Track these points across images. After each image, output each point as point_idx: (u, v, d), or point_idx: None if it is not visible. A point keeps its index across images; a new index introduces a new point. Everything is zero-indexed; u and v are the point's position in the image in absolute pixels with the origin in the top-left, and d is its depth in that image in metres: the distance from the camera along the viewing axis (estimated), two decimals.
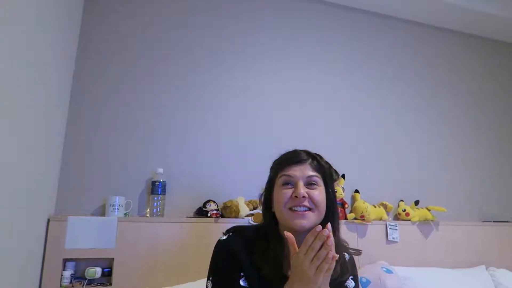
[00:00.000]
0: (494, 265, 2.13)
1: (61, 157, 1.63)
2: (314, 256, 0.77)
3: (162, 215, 1.68)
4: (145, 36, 1.91)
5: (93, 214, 1.62)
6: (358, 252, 1.05)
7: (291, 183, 0.94)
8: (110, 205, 1.58)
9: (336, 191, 1.88)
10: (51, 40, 1.38)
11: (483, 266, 2.09)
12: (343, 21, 2.38)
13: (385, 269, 1.75)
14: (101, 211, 1.63)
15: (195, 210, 1.78)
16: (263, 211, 1.02)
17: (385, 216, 2.02)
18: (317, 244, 0.77)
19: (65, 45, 1.60)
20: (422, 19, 2.57)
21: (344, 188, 2.03)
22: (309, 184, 0.94)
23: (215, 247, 0.97)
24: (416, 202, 2.13)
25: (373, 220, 1.98)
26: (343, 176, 2.04)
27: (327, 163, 1.02)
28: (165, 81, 1.89)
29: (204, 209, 1.74)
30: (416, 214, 2.07)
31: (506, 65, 2.81)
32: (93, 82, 1.76)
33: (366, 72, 2.36)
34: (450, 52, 2.64)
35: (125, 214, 1.62)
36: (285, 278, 0.86)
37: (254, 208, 1.78)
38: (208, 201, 1.76)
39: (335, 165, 2.04)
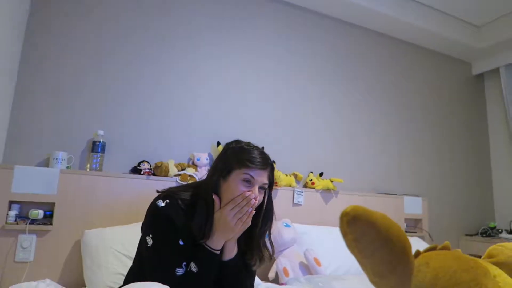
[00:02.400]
0: None
1: (9, 112, 1.84)
2: (237, 211, 1.05)
3: (101, 170, 1.96)
4: (100, 10, 2.11)
5: (38, 166, 1.87)
6: (271, 257, 1.23)
7: (250, 182, 1.10)
8: (54, 159, 1.83)
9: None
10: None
11: None
12: (290, 18, 2.70)
13: (284, 224, 2.18)
14: (45, 164, 1.88)
15: (130, 168, 2.08)
16: (210, 180, 1.15)
17: (294, 183, 2.44)
18: (243, 203, 1.05)
19: (17, 3, 1.78)
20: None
21: None
22: (259, 187, 1.12)
23: (154, 211, 1.11)
24: (321, 174, 2.58)
25: (284, 186, 2.39)
26: (262, 147, 2.42)
27: (274, 173, 1.21)
28: (114, 53, 2.13)
29: (138, 167, 2.04)
30: (320, 183, 2.51)
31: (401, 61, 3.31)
32: (42, 42, 1.96)
33: (289, 57, 2.72)
34: (363, 48, 3.08)
35: (67, 167, 1.89)
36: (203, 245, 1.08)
37: (182, 169, 2.11)
38: (142, 161, 2.06)
39: (257, 139, 2.47)
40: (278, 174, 2.37)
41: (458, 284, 0.44)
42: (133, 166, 2.08)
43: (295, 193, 2.42)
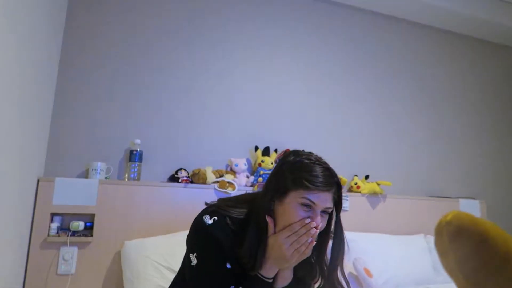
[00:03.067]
0: (432, 234, 2.44)
1: (49, 125, 1.86)
2: (294, 240, 0.89)
3: (139, 180, 1.93)
4: (132, 18, 2.10)
5: (77, 177, 1.87)
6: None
7: (309, 206, 0.93)
8: (92, 170, 1.82)
9: None
10: (40, 9, 1.58)
11: (422, 234, 2.39)
12: (309, 11, 2.58)
13: None
14: (85, 175, 1.88)
15: (168, 176, 2.03)
16: (263, 200, 0.99)
17: None
18: (302, 232, 0.89)
19: (54, 16, 1.79)
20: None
21: None
22: (322, 211, 0.95)
23: (200, 228, 0.98)
24: (367, 177, 2.41)
25: None
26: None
27: (341, 193, 1.00)
28: (147, 60, 2.10)
29: (175, 175, 1.99)
30: (366, 187, 2.35)
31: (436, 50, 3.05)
32: (80, 55, 1.97)
33: (329, 57, 2.58)
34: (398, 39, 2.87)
35: (106, 177, 1.87)
36: (257, 276, 0.94)
37: (220, 176, 2.04)
38: (180, 169, 2.01)
39: (296, 143, 2.33)
40: None
41: None
42: (170, 174, 2.03)
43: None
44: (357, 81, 2.63)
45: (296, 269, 1.00)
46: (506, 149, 3.05)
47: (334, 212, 0.99)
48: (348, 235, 2.09)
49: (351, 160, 2.49)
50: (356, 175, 2.42)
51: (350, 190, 2.40)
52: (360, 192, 2.34)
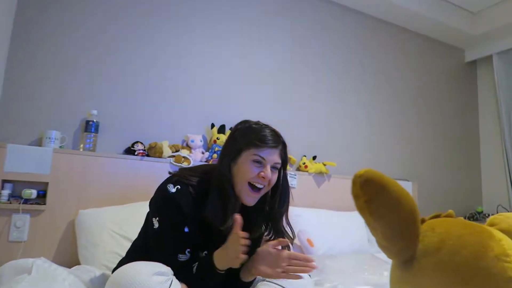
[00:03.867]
0: None
1: (1, 90, 1.80)
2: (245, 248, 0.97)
3: (94, 151, 1.94)
4: None
5: (30, 145, 1.84)
6: (291, 240, 1.19)
7: (261, 163, 1.07)
8: (46, 138, 1.80)
9: None
10: None
11: None
12: None
13: None
14: (38, 143, 1.85)
15: (124, 149, 2.06)
16: (221, 164, 1.11)
17: (288, 167, 2.45)
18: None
19: None
20: None
21: None
22: (272, 167, 1.09)
23: (163, 195, 1.07)
24: (314, 157, 2.60)
25: None
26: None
27: (287, 151, 1.16)
28: (108, 33, 2.08)
29: (132, 148, 2.02)
30: (313, 167, 2.53)
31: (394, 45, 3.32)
32: (35, 19, 1.90)
33: (284, 40, 2.70)
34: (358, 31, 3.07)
35: (60, 147, 1.86)
36: (220, 232, 1.06)
37: (176, 151, 2.10)
38: (136, 142, 2.05)
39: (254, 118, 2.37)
40: None
41: (464, 247, 0.45)
42: (126, 147, 2.06)
43: (288, 176, 2.43)
44: (308, 65, 2.78)
45: (253, 230, 1.12)
46: (437, 136, 3.40)
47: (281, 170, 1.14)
48: (295, 210, 2.28)
49: (301, 141, 2.66)
50: (304, 156, 2.60)
51: (298, 169, 2.57)
52: (307, 171, 2.52)
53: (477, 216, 3.17)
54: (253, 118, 2.41)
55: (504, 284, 0.42)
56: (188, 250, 1.07)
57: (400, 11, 3.03)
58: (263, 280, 1.16)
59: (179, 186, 1.07)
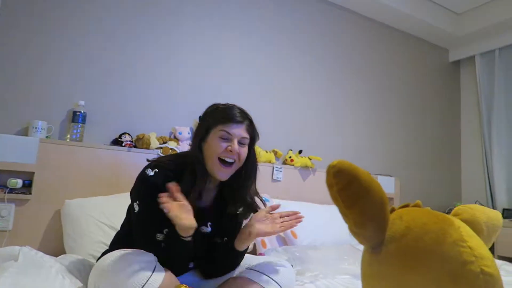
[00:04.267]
0: None
1: None
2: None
3: (81, 141, 1.94)
4: None
5: (16, 134, 1.83)
6: (263, 203, 1.33)
7: (228, 138, 1.13)
8: (33, 128, 1.80)
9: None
10: None
11: None
12: None
13: (264, 199, 2.24)
14: (24, 133, 1.85)
15: (111, 140, 2.06)
16: (193, 146, 1.19)
17: (273, 160, 2.50)
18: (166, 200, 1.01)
19: None
20: None
21: None
22: (240, 143, 1.16)
23: (142, 179, 1.13)
24: (300, 151, 2.64)
25: (263, 162, 2.44)
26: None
27: (255, 127, 1.24)
28: (95, 19, 2.07)
29: (119, 139, 2.03)
30: (299, 160, 2.58)
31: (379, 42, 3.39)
32: (22, 7, 1.89)
33: (275, 35, 2.73)
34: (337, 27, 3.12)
35: (47, 137, 1.86)
36: (199, 208, 1.12)
37: (164, 143, 2.12)
38: (124, 133, 2.06)
39: None
40: (258, 150, 2.42)
41: (427, 233, 0.49)
42: (114, 138, 2.06)
43: (274, 170, 2.48)
44: (295, 60, 2.82)
45: (228, 205, 1.21)
46: (421, 134, 3.49)
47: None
48: (280, 202, 2.31)
49: (287, 136, 2.70)
50: (291, 150, 2.64)
51: (284, 162, 2.62)
52: (293, 165, 2.57)
53: None
54: None
55: (459, 267, 0.46)
56: (166, 230, 1.10)
57: (387, 9, 3.08)
58: (248, 268, 1.21)
59: (157, 170, 1.12)
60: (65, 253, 1.65)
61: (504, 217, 3.03)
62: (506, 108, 3.32)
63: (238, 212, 1.25)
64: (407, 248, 0.49)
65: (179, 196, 1.03)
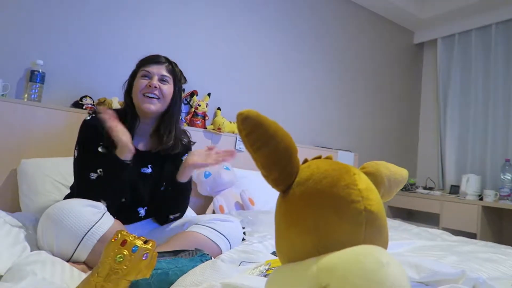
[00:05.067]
0: None
1: None
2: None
3: (39, 102, 1.92)
4: None
5: None
6: (193, 143, 1.53)
7: (148, 76, 1.30)
8: None
9: (200, 105, 2.32)
10: None
11: None
12: None
13: (224, 167, 2.31)
14: None
15: (71, 103, 2.05)
16: (124, 95, 1.37)
17: (236, 130, 2.55)
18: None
19: None
20: None
21: (208, 104, 2.48)
22: (162, 80, 1.31)
23: (81, 126, 1.30)
24: None
25: (227, 132, 2.50)
26: (208, 94, 2.49)
27: (179, 70, 1.40)
28: None
29: (80, 102, 2.02)
30: None
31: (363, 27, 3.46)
32: None
33: (241, 11, 2.74)
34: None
35: (2, 95, 1.83)
36: (138, 151, 1.29)
37: None
38: (85, 96, 2.05)
39: (205, 86, 2.53)
40: (222, 120, 2.47)
41: (326, 177, 0.57)
42: (74, 100, 2.05)
43: (237, 140, 2.55)
44: (260, 36, 2.85)
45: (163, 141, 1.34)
46: (382, 112, 3.64)
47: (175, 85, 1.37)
48: (241, 172, 2.40)
49: (251, 107, 2.73)
50: None
51: None
52: None
53: (409, 187, 3.48)
54: (204, 81, 2.53)
55: (347, 205, 0.54)
56: (100, 170, 1.20)
57: None
58: (195, 224, 1.28)
59: (94, 115, 1.29)
60: (21, 211, 1.67)
61: (451, 192, 3.26)
62: (461, 92, 3.50)
63: (175, 151, 1.38)
64: (308, 190, 0.56)
65: (116, 122, 1.17)
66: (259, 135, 0.53)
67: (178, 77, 1.38)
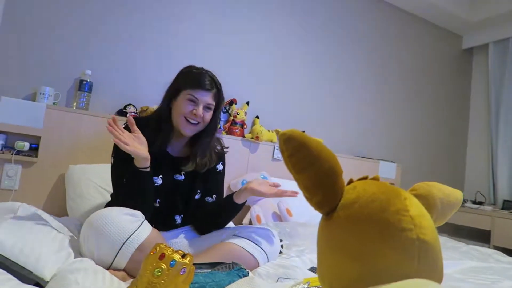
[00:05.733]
0: None
1: None
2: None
3: (87, 110, 2.01)
4: None
5: (25, 99, 1.90)
6: (226, 148, 1.50)
7: (194, 102, 1.27)
8: (40, 94, 1.87)
9: (239, 114, 2.32)
10: None
11: None
12: None
13: (262, 176, 2.30)
14: (32, 98, 1.92)
15: (116, 110, 2.12)
16: (163, 103, 1.36)
17: (275, 139, 2.53)
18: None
19: None
20: None
21: (247, 112, 2.48)
22: (206, 107, 1.29)
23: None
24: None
25: (265, 141, 2.48)
26: (247, 103, 2.49)
27: (222, 94, 1.37)
28: None
29: (124, 110, 2.09)
30: None
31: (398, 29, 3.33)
32: None
33: (274, 16, 2.72)
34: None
35: (54, 103, 1.93)
36: (167, 154, 1.32)
37: None
38: (129, 104, 2.11)
39: (243, 95, 2.53)
40: (260, 129, 2.45)
41: (373, 201, 0.53)
42: (119, 108, 2.12)
43: (275, 149, 2.52)
44: (299, 41, 2.81)
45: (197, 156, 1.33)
46: (427, 120, 3.47)
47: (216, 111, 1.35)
48: (279, 181, 2.37)
49: (289, 117, 2.73)
50: None
51: None
52: None
53: None
54: (243, 90, 2.50)
55: (398, 233, 0.50)
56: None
57: None
58: (233, 235, 1.27)
59: (126, 123, 1.27)
60: (67, 215, 1.74)
61: (503, 208, 3.03)
62: None
63: (211, 166, 1.38)
64: (354, 214, 0.53)
65: (135, 128, 1.20)
66: (303, 156, 0.50)
67: (220, 103, 1.37)
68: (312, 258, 1.46)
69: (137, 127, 1.23)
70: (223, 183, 1.51)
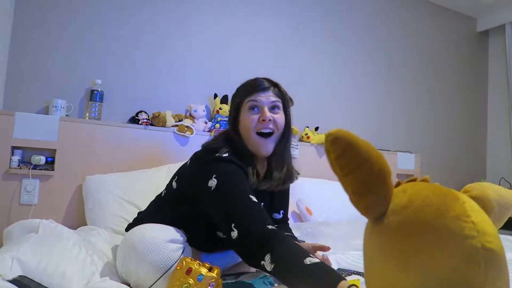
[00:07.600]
0: None
1: (7, 58, 1.83)
2: None
3: (99, 119, 1.98)
4: None
5: (37, 113, 1.89)
6: (298, 175, 1.29)
7: (257, 107, 1.07)
8: (53, 106, 1.85)
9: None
10: None
11: None
12: None
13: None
14: (45, 111, 1.90)
15: (128, 118, 2.10)
16: (230, 126, 1.14)
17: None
18: None
19: None
20: None
21: None
22: (272, 108, 1.09)
23: (219, 160, 1.02)
24: (316, 128, 2.61)
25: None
26: None
27: (285, 90, 1.18)
28: (110, 2, 2.07)
29: (136, 117, 2.06)
30: (315, 138, 2.55)
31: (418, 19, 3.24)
32: None
33: (291, 11, 2.66)
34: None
35: (67, 115, 1.91)
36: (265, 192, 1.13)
37: (179, 120, 2.14)
38: (140, 111, 2.08)
39: None
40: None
41: (428, 205, 0.48)
42: (131, 116, 2.10)
43: (291, 146, 2.47)
44: (312, 33, 2.75)
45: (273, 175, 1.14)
46: (444, 107, 3.37)
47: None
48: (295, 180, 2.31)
49: (304, 113, 2.67)
50: (307, 127, 2.62)
51: (300, 139, 2.60)
52: (309, 142, 2.54)
53: None
54: None
55: (460, 241, 0.45)
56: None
57: None
58: None
59: (228, 152, 1.05)
60: (86, 225, 1.72)
61: None
62: None
63: (287, 185, 1.22)
64: (407, 220, 0.48)
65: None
66: (351, 158, 0.46)
67: (287, 100, 1.17)
68: (337, 259, 1.40)
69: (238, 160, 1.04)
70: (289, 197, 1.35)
